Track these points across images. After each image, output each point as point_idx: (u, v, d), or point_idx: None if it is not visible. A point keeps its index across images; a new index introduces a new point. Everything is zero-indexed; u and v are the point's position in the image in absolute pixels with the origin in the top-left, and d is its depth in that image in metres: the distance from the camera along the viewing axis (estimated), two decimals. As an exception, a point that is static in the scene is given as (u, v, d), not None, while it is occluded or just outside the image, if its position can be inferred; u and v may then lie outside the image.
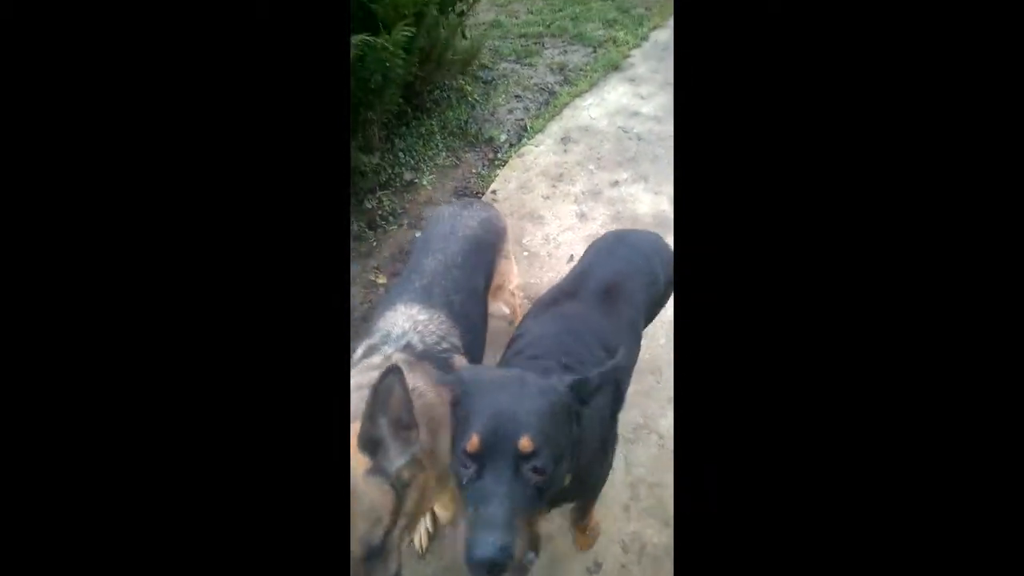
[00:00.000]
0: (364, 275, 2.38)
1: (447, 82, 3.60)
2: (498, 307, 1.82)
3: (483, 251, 1.53)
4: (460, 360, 1.28)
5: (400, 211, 2.71)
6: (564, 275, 1.48)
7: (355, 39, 1.96)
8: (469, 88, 3.63)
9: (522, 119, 3.40)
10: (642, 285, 1.34)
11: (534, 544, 0.75)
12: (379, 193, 2.75)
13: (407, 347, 1.20)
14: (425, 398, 1.11)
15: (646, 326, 1.44)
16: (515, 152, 3.06)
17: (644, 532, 1.51)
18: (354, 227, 2.55)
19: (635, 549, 1.48)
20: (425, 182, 2.87)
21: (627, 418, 1.71)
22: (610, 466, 1.21)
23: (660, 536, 1.49)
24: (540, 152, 3.03)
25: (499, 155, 3.08)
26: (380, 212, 2.66)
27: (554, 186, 2.76)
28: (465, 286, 1.41)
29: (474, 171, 2.97)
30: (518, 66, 4.04)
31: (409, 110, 3.21)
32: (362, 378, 1.11)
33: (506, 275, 1.72)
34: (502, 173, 2.89)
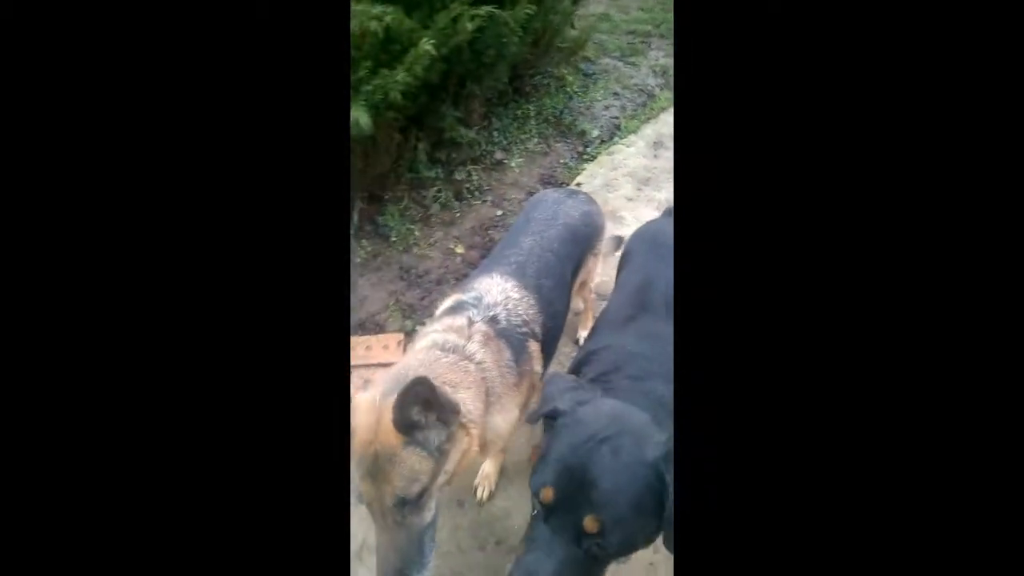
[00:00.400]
0: (444, 243, 2.47)
1: (549, 69, 3.62)
2: (576, 302, 1.83)
3: (578, 243, 1.54)
4: (534, 345, 1.30)
5: (486, 188, 2.77)
6: (623, 279, 1.45)
7: (481, 10, 2.01)
8: (570, 79, 3.64)
9: (617, 117, 3.38)
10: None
11: None
12: (469, 167, 2.82)
13: (492, 320, 1.23)
14: (488, 373, 1.14)
15: None
16: (605, 149, 3.06)
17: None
18: (442, 196, 2.64)
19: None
20: (514, 164, 2.92)
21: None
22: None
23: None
24: (630, 153, 3.02)
25: (589, 149, 3.09)
26: (468, 186, 2.74)
27: (639, 189, 2.75)
28: (556, 272, 1.43)
29: (562, 161, 3.00)
30: (621, 63, 4.01)
31: (510, 91, 3.26)
32: (437, 336, 1.16)
33: (591, 271, 1.73)
34: (589, 168, 2.90)
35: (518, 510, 1.57)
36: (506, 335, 1.23)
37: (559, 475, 0.73)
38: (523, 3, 2.32)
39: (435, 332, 1.19)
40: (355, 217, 2.49)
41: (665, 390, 0.97)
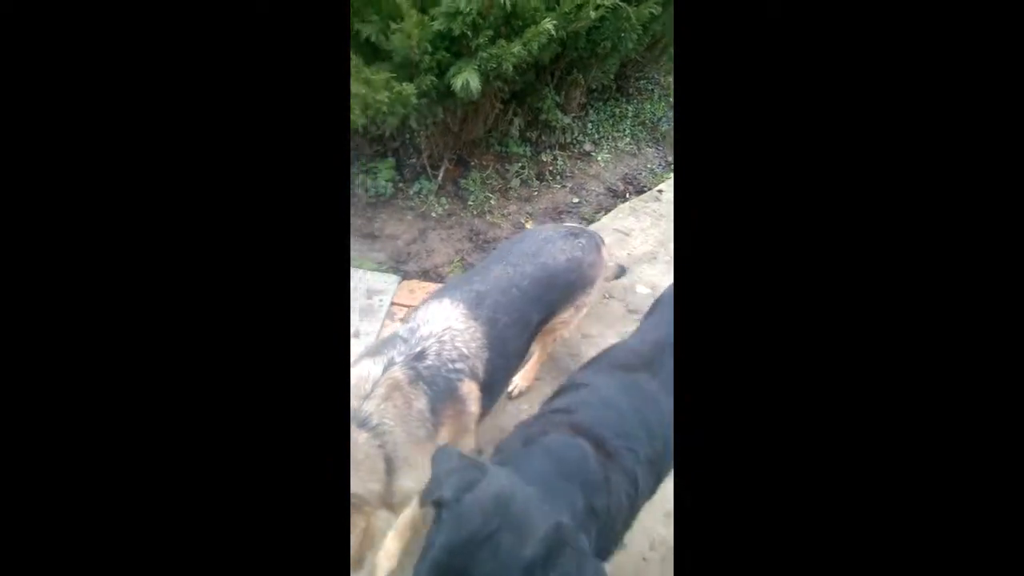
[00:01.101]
0: (516, 216, 2.56)
1: (657, 76, 3.61)
2: (533, 345, 1.60)
3: (554, 288, 1.39)
4: (468, 385, 1.19)
5: (568, 174, 2.83)
6: (644, 328, 1.35)
7: (608, 1, 2.06)
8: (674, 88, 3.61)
9: (715, 135, 3.33)
10: None
11: None
12: (557, 152, 2.89)
13: (420, 355, 1.13)
14: (387, 436, 1.04)
15: None
16: (695, 163, 3.03)
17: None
18: (524, 173, 2.73)
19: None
20: (600, 158, 2.96)
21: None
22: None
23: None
24: (720, 172, 2.98)
25: (679, 160, 3.07)
26: (551, 168, 2.81)
27: (721, 209, 2.72)
28: (518, 311, 1.31)
29: (648, 166, 3.00)
30: (731, 84, 3.93)
31: (614, 87, 3.29)
32: (362, 372, 1.08)
33: (566, 323, 1.56)
34: (673, 178, 2.90)
35: None
36: (429, 377, 1.13)
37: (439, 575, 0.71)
38: (650, 3, 2.34)
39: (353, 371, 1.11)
40: (440, 175, 2.62)
41: (617, 444, 0.96)
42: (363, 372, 1.10)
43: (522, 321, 1.33)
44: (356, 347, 1.89)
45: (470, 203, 2.57)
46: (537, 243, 1.44)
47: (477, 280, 1.33)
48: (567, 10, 2.03)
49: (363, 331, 1.93)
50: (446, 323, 1.20)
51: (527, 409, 1.74)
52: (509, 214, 2.56)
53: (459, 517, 0.74)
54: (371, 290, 2.06)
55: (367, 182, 2.56)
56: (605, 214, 2.60)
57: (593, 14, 2.08)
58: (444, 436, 1.15)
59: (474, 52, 2.01)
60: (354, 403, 1.04)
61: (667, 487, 1.12)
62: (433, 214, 2.51)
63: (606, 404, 1.05)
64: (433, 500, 0.79)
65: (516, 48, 1.99)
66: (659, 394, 1.09)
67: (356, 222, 2.46)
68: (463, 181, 2.66)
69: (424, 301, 1.31)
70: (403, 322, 1.24)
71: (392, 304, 2.05)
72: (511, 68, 2.06)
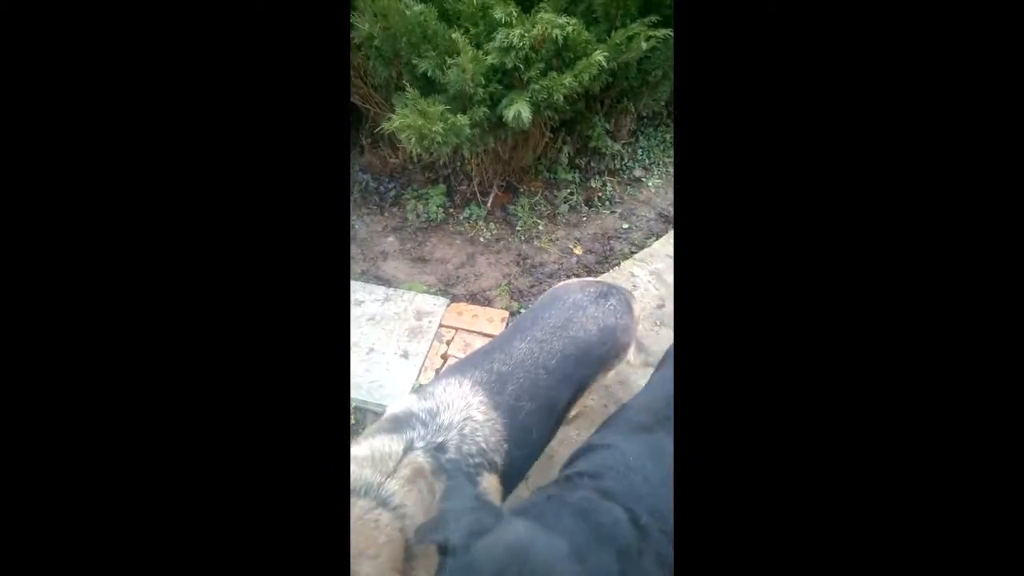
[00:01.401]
0: (565, 242, 2.58)
1: (710, 100, 3.57)
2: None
3: (584, 365, 1.27)
4: (488, 480, 1.10)
5: (617, 200, 2.83)
6: (659, 379, 1.26)
7: (659, 32, 2.07)
8: (729, 113, 3.56)
9: (771, 161, 3.25)
10: None
11: None
12: (606, 178, 2.90)
13: (439, 448, 1.05)
14: (408, 521, 0.93)
15: None
16: (750, 189, 2.96)
17: None
18: (573, 199, 2.75)
19: None
20: (651, 183, 2.94)
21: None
22: None
23: None
24: (776, 199, 2.89)
25: (732, 186, 3.01)
26: (600, 195, 2.82)
27: (777, 236, 2.63)
28: (543, 395, 1.20)
29: (701, 192, 2.96)
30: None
31: (664, 114, 3.28)
32: (354, 468, 0.96)
33: (594, 392, 1.46)
34: (728, 204, 2.83)
35: None
36: (453, 467, 1.04)
37: None
38: (701, 31, 2.34)
39: (361, 450, 1.01)
40: (489, 201, 2.69)
41: (649, 521, 0.87)
42: (383, 447, 1.02)
43: (548, 406, 1.21)
44: (406, 368, 1.94)
45: (518, 228, 2.62)
46: (565, 313, 1.30)
47: (499, 359, 1.21)
48: (618, 41, 2.06)
49: (411, 351, 1.99)
50: (466, 413, 1.11)
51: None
52: (557, 239, 2.57)
53: (467, 567, 0.64)
54: (420, 312, 2.12)
55: (418, 207, 2.66)
56: (656, 239, 2.56)
57: (644, 45, 2.10)
58: None
59: (526, 84, 2.07)
60: (376, 478, 0.96)
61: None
62: (482, 239, 2.57)
63: (632, 470, 0.96)
64: (438, 542, 0.68)
65: (567, 80, 2.03)
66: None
67: (407, 246, 2.55)
68: (511, 207, 2.71)
69: (443, 375, 1.23)
70: (419, 397, 1.15)
71: (440, 326, 2.10)
72: (562, 99, 2.11)
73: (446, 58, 1.97)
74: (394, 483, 0.96)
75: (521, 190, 2.79)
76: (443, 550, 0.68)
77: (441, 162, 2.63)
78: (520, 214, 2.65)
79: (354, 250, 2.53)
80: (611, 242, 2.58)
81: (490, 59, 1.97)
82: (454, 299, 2.27)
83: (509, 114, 1.97)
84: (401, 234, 2.60)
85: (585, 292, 1.36)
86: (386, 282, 2.36)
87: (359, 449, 1.02)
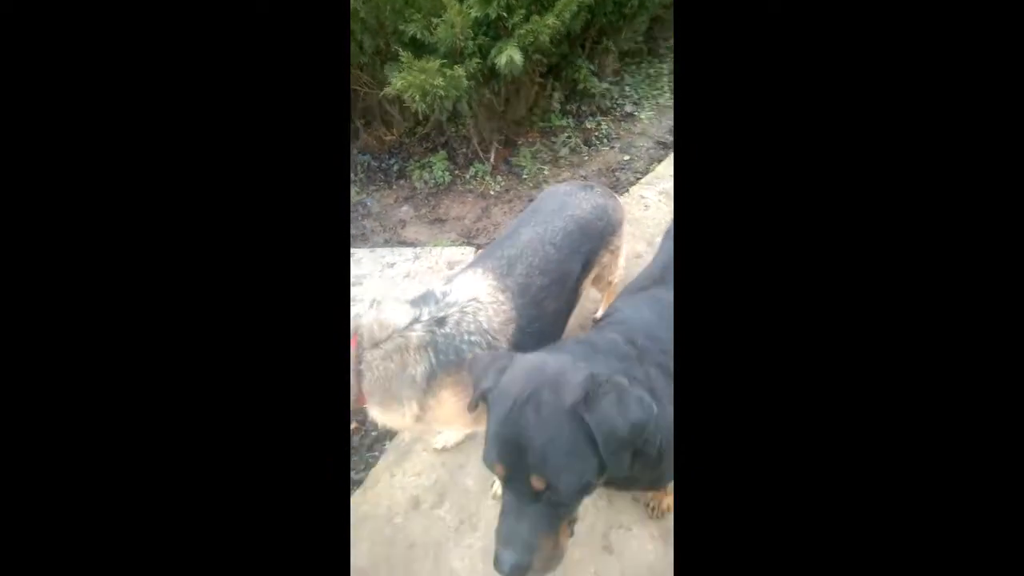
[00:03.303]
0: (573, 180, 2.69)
1: (686, 30, 3.64)
2: (593, 292, 1.73)
3: (587, 238, 1.41)
4: None
5: (614, 136, 2.92)
6: (656, 256, 1.43)
7: (629, -40, 2.15)
8: (707, 39, 3.62)
9: (755, 76, 3.32)
10: None
11: (555, 557, 0.79)
12: (599, 118, 2.99)
13: (439, 322, 1.17)
14: (369, 385, 1.13)
15: None
16: (739, 105, 3.04)
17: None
18: (571, 142, 2.85)
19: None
20: (643, 116, 3.03)
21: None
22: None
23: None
24: (766, 109, 2.97)
25: (721, 105, 3.09)
26: (596, 134, 2.91)
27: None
28: (555, 268, 1.31)
29: (692, 115, 3.04)
30: (764, 25, 3.88)
31: (645, 50, 3.35)
32: (379, 315, 1.15)
33: (608, 267, 1.59)
34: (720, 121, 2.92)
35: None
36: (443, 344, 1.16)
37: (500, 448, 0.77)
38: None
39: (371, 316, 1.18)
40: (491, 156, 2.79)
41: (647, 343, 1.02)
42: (391, 317, 1.16)
43: (561, 278, 1.32)
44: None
45: (524, 177, 2.72)
46: (560, 199, 1.46)
47: (508, 245, 1.33)
48: (592, -25, 2.15)
49: (449, 301, 2.11)
50: (472, 294, 1.21)
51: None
52: (563, 180, 2.68)
53: (502, 393, 0.80)
54: (451, 262, 2.24)
55: (424, 175, 2.77)
56: (658, 164, 2.66)
57: (617, -25, 2.18)
58: (445, 398, 1.20)
59: (511, 31, 2.16)
60: (377, 337, 1.13)
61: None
62: (492, 192, 2.68)
63: (633, 314, 1.12)
64: (480, 396, 0.85)
65: (550, 20, 2.12)
66: (670, 296, 1.16)
67: (421, 211, 2.67)
68: (514, 159, 2.81)
69: (463, 268, 1.34)
70: (442, 283, 1.28)
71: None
72: (547, 40, 2.20)
73: (431, 19, 2.06)
74: (373, 353, 1.12)
75: (520, 142, 2.88)
76: (485, 398, 0.85)
77: (433, 132, 2.73)
78: (524, 164, 2.75)
79: (372, 224, 2.64)
80: (616, 174, 2.68)
81: (474, 12, 2.06)
82: (480, 248, 2.39)
83: (502, 60, 2.07)
84: (414, 201, 2.72)
85: (572, 185, 1.55)
86: (411, 245, 2.48)
87: (367, 317, 1.16)
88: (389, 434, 1.73)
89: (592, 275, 1.53)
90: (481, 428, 1.32)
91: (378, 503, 1.54)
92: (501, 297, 1.24)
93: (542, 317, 1.29)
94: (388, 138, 2.95)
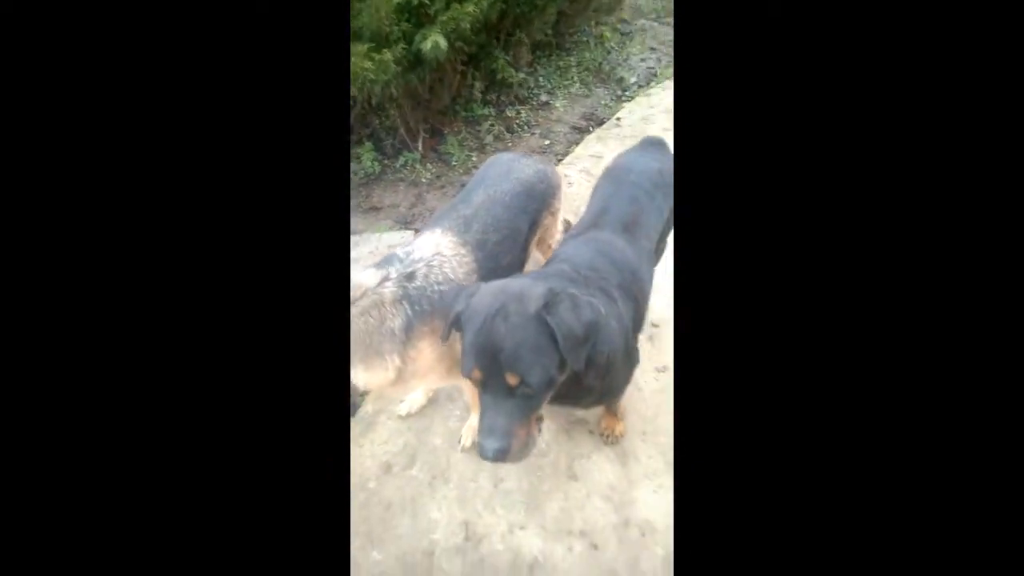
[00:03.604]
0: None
1: (588, 28, 3.92)
2: (536, 255, 1.88)
3: (532, 198, 1.56)
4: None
5: (534, 124, 3.10)
6: (586, 210, 1.56)
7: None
8: (608, 35, 3.93)
9: (653, 68, 3.66)
10: (655, 219, 1.46)
11: (528, 444, 0.91)
12: (518, 107, 3.16)
13: (408, 277, 1.24)
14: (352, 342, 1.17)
15: (657, 260, 1.60)
16: (643, 92, 3.35)
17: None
18: (495, 130, 2.98)
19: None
20: (558, 104, 3.24)
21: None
22: (631, 375, 1.31)
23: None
24: (666, 95, 3.29)
25: (627, 93, 3.38)
26: (517, 121, 3.07)
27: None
28: (506, 225, 1.44)
29: (602, 102, 3.30)
30: (656, 24, 4.27)
31: (553, 44, 3.57)
32: (361, 279, 1.20)
33: (548, 229, 1.76)
34: (628, 106, 3.20)
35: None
36: (415, 296, 1.23)
37: (477, 356, 0.87)
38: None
39: (361, 274, 1.24)
40: (420, 145, 2.85)
41: (588, 273, 1.17)
42: (361, 279, 1.21)
43: (512, 234, 1.46)
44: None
45: (454, 164, 2.81)
46: (506, 164, 1.61)
47: (462, 206, 1.44)
48: (505, -32, 2.30)
49: (394, 281, 2.15)
50: (436, 249, 1.30)
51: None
52: (492, 164, 2.81)
53: (473, 312, 0.91)
54: (391, 245, 2.27)
55: (353, 167, 2.77)
56: (575, 146, 2.87)
57: (527, -32, 2.35)
58: (424, 348, 1.27)
59: (434, 18, 2.25)
60: (352, 297, 1.18)
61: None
62: (423, 180, 2.74)
63: (574, 252, 1.25)
64: (452, 321, 0.97)
65: (469, 8, 2.24)
66: (610, 238, 1.31)
67: (355, 201, 2.66)
68: (442, 147, 2.89)
69: (420, 230, 1.45)
70: (402, 245, 1.36)
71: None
72: (468, 28, 2.32)
73: (355, 4, 2.10)
74: (351, 311, 1.16)
75: (446, 132, 2.97)
76: (459, 321, 0.96)
77: (361, 122, 2.74)
78: (453, 151, 2.84)
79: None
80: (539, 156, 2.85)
81: (396, -1, 2.13)
82: (417, 232, 2.44)
83: (427, 46, 2.16)
84: (345, 193, 2.71)
85: (515, 153, 1.71)
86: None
87: (356, 273, 1.21)
88: (353, 410, 1.75)
89: (537, 236, 1.66)
90: (455, 382, 1.42)
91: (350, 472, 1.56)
92: (463, 251, 1.34)
93: (499, 269, 1.41)
94: (310, 132, 2.91)
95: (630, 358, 1.25)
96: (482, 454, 0.87)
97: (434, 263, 1.29)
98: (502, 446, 0.85)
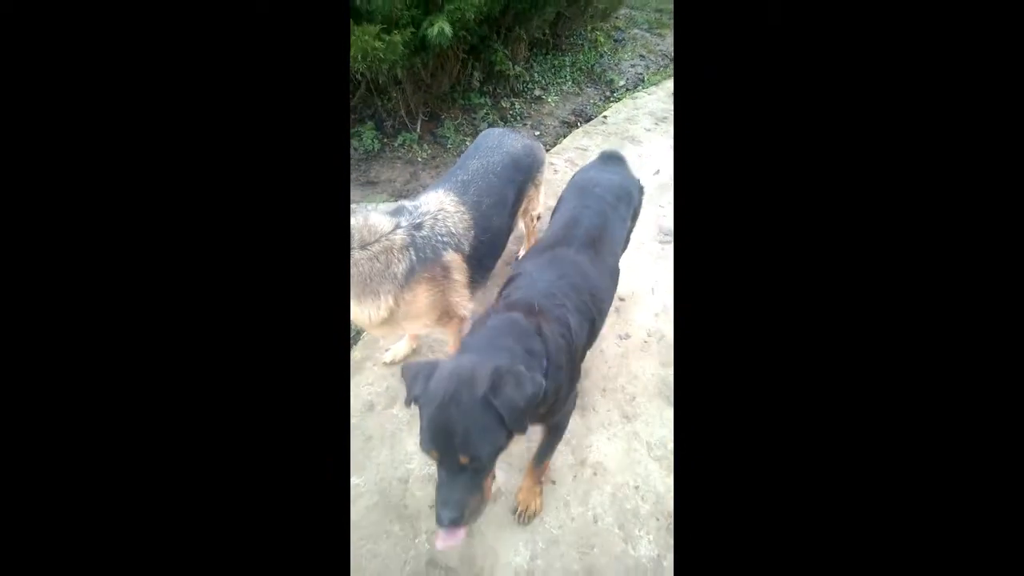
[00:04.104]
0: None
1: (583, 32, 4.14)
2: (520, 226, 2.11)
3: (519, 170, 1.76)
4: (451, 255, 1.49)
5: (526, 116, 3.29)
6: (555, 219, 1.62)
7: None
8: (602, 40, 4.15)
9: (641, 73, 3.89)
10: (619, 230, 1.55)
11: (481, 506, 1.01)
12: (512, 99, 3.34)
13: (416, 227, 1.42)
14: (358, 278, 1.32)
15: (623, 250, 1.70)
16: (630, 95, 3.57)
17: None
18: (489, 118, 3.16)
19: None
20: (550, 99, 3.43)
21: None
22: (574, 399, 1.39)
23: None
24: (651, 99, 3.52)
25: (615, 94, 3.60)
26: (511, 112, 3.26)
27: (656, 123, 3.25)
28: (497, 192, 1.63)
29: (592, 101, 3.51)
30: (648, 34, 4.50)
31: (550, 43, 3.77)
32: (367, 220, 1.36)
33: (532, 200, 1.97)
34: (615, 106, 3.41)
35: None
36: (421, 244, 1.41)
37: (433, 439, 0.95)
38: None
39: (359, 220, 1.38)
40: (418, 127, 3.02)
41: (544, 303, 1.24)
42: (373, 222, 1.37)
43: (502, 200, 1.66)
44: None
45: (449, 147, 2.99)
46: (496, 138, 1.82)
47: (460, 173, 1.65)
48: (509, -34, 2.48)
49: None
50: (440, 206, 1.50)
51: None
52: (484, 149, 2.99)
53: (429, 397, 0.97)
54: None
55: (354, 143, 2.93)
56: (563, 138, 3.07)
57: (531, -34, 2.54)
58: (421, 292, 1.45)
59: (441, 6, 2.43)
60: (366, 239, 1.34)
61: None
62: (419, 159, 2.91)
63: (533, 280, 1.31)
64: (412, 400, 1.04)
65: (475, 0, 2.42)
66: (576, 257, 1.38)
67: (354, 174, 2.82)
68: (438, 131, 3.06)
69: (424, 190, 1.64)
70: (410, 199, 1.55)
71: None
72: (472, 18, 2.50)
73: (369, -12, 2.26)
74: (361, 254, 1.32)
75: (443, 116, 3.15)
76: (417, 400, 1.03)
77: (364, 103, 2.90)
78: (448, 135, 3.02)
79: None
80: (529, 145, 3.04)
81: (408, -15, 2.30)
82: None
83: (433, 31, 2.33)
84: (344, 165, 2.86)
85: (505, 128, 1.91)
86: (344, 203, 2.63)
87: (356, 219, 1.36)
88: (340, 354, 1.91)
89: (523, 206, 1.87)
90: (440, 328, 1.61)
91: (338, 405, 1.72)
92: (462, 209, 1.54)
93: (491, 229, 1.62)
94: (314, 106, 3.06)
95: (573, 382, 1.31)
96: (439, 522, 0.98)
97: (439, 217, 1.48)
98: (455, 516, 0.97)
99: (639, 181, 1.79)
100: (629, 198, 1.66)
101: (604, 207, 1.55)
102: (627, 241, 1.76)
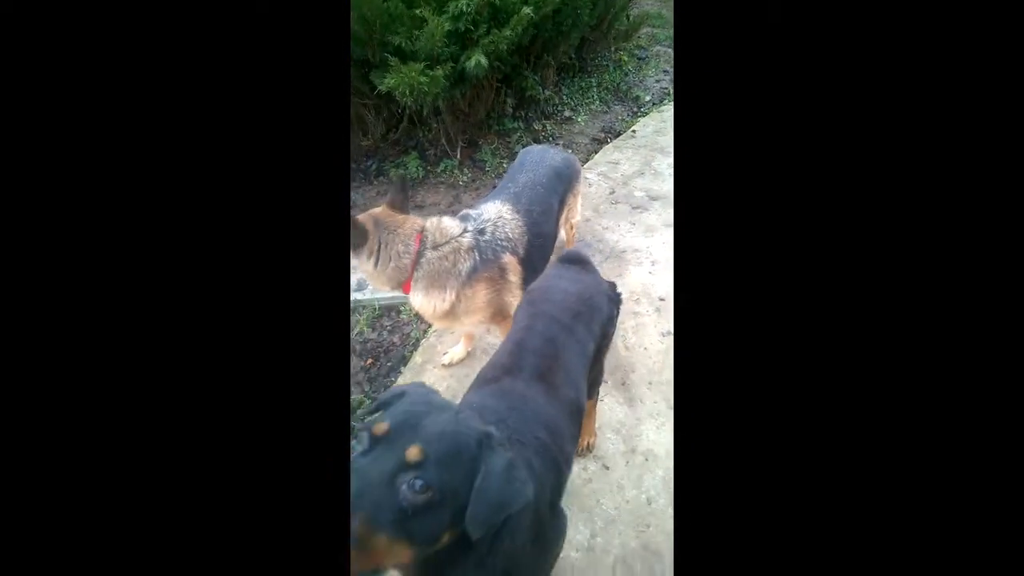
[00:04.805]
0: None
1: (607, 52, 4.33)
2: (561, 233, 2.20)
3: (562, 181, 1.96)
4: (508, 258, 1.67)
5: (557, 136, 3.48)
6: (503, 342, 1.36)
7: (565, -10, 2.73)
8: (626, 59, 4.33)
9: (667, 88, 4.04)
10: (576, 358, 1.24)
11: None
12: (544, 121, 3.54)
13: (480, 232, 1.64)
14: (427, 272, 1.56)
15: (597, 384, 1.49)
16: (657, 109, 3.71)
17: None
18: (523, 140, 3.37)
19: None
20: (580, 119, 3.62)
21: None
22: (551, 563, 1.09)
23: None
24: (677, 112, 3.66)
25: (642, 109, 3.75)
26: (543, 134, 3.46)
27: (685, 135, 3.39)
28: (544, 201, 1.82)
29: (620, 117, 3.67)
30: (670, 49, 4.66)
31: (576, 66, 3.98)
32: (431, 225, 1.62)
33: (572, 209, 2.17)
34: (642, 121, 3.56)
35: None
36: (483, 247, 1.62)
37: (393, 415, 0.76)
38: (591, -13, 3.04)
39: (433, 223, 1.64)
40: (458, 154, 3.25)
41: (496, 429, 0.94)
42: (445, 226, 1.62)
43: (548, 209, 1.86)
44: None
45: (487, 169, 3.19)
46: (539, 154, 2.03)
47: (511, 186, 1.87)
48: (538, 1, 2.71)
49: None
50: (499, 214, 1.71)
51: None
52: (521, 169, 3.18)
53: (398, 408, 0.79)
54: (435, 232, 2.65)
55: (400, 172, 3.17)
56: (594, 154, 3.23)
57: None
58: (480, 289, 1.64)
59: (476, 42, 2.66)
60: (437, 240, 1.60)
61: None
62: (460, 183, 3.12)
63: (481, 411, 1.06)
64: (377, 407, 0.85)
65: (507, 32, 2.64)
66: (525, 390, 1.13)
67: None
68: (477, 155, 3.28)
69: (480, 202, 1.85)
70: (472, 209, 1.77)
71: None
72: (504, 50, 2.72)
73: (413, 31, 2.52)
74: (433, 252, 1.57)
75: (481, 142, 3.37)
76: (384, 407, 0.84)
77: (407, 135, 3.15)
78: (486, 159, 3.23)
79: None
80: (563, 162, 3.22)
81: (447, 26, 2.54)
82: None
83: (471, 64, 2.55)
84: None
85: (545, 145, 2.12)
86: (395, 225, 2.85)
87: (430, 223, 1.62)
88: (404, 361, 2.09)
89: (564, 214, 2.05)
90: (493, 325, 1.79)
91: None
92: (517, 216, 1.74)
93: (541, 235, 1.81)
94: (364, 143, 3.33)
95: (544, 546, 1.05)
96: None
97: (499, 223, 1.70)
98: None
99: (612, 287, 1.46)
100: (591, 313, 1.31)
101: (553, 331, 1.24)
102: (600, 371, 1.46)
